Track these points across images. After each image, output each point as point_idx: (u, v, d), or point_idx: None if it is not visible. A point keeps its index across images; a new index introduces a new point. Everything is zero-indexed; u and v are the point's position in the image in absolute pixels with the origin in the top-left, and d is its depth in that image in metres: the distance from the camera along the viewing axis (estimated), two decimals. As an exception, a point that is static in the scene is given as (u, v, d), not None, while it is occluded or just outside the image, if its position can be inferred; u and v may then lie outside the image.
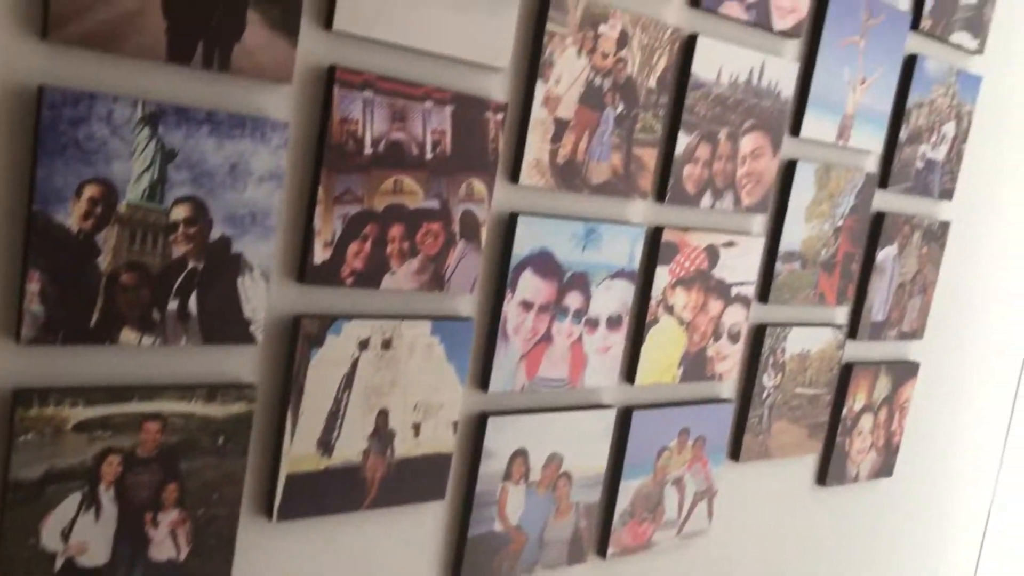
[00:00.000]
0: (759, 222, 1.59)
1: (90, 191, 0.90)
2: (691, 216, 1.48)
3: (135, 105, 0.91)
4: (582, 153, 1.29)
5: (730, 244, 1.52)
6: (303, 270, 1.07)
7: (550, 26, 1.21)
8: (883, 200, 1.81)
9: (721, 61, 1.42)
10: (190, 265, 0.98)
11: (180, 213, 0.96)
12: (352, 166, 1.07)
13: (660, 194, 1.41)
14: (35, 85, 0.88)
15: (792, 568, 1.87)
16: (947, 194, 1.92)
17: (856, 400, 1.86)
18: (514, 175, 1.24)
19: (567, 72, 1.24)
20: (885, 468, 1.99)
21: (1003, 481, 2.40)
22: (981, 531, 2.41)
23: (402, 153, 1.11)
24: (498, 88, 1.20)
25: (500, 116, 1.19)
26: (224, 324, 1.01)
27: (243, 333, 1.03)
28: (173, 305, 0.98)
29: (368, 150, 1.08)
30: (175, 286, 0.98)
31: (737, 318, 1.57)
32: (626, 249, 1.38)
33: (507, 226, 1.25)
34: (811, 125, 1.59)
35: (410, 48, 1.09)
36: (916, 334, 1.95)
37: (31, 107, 0.88)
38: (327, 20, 1.03)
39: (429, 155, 1.14)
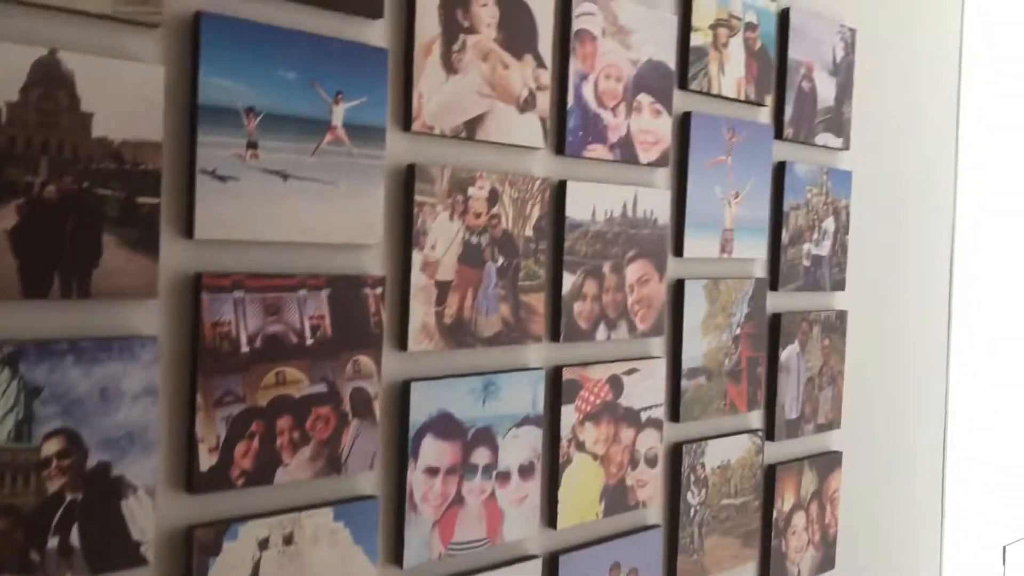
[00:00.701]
0: (658, 345, 1.61)
1: (-51, 443, 0.88)
2: (588, 350, 1.50)
3: (-9, 348, 0.90)
4: (469, 310, 1.30)
5: (632, 371, 1.54)
6: (190, 480, 1.04)
7: (418, 198, 1.24)
8: (776, 301, 1.86)
9: (593, 200, 1.46)
10: (68, 498, 0.95)
11: (52, 448, 0.94)
12: (229, 367, 1.07)
13: (554, 335, 1.43)
14: None
15: None
16: (839, 285, 1.98)
17: (785, 500, 1.86)
18: (402, 343, 1.24)
19: (442, 237, 1.27)
20: (826, 562, 1.98)
21: (947, 553, 2.41)
22: (935, 605, 2.41)
23: (281, 344, 1.11)
24: (374, 263, 1.21)
25: (379, 290, 1.20)
26: (111, 551, 0.98)
27: (133, 556, 1.00)
28: (53, 543, 0.94)
29: (244, 348, 1.08)
30: (54, 523, 0.94)
31: (651, 442, 1.58)
32: (528, 395, 1.38)
33: (401, 395, 1.25)
34: (693, 244, 1.64)
35: (277, 242, 1.11)
36: (833, 424, 1.98)
37: None
38: (188, 230, 1.04)
39: (310, 341, 1.14)
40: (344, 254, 1.18)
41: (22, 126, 0.91)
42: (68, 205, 0.94)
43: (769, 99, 1.79)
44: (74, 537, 0.96)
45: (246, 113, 1.07)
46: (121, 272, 0.98)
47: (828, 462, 1.97)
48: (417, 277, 1.24)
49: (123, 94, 0.97)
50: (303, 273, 1.13)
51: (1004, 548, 3.01)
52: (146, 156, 0.99)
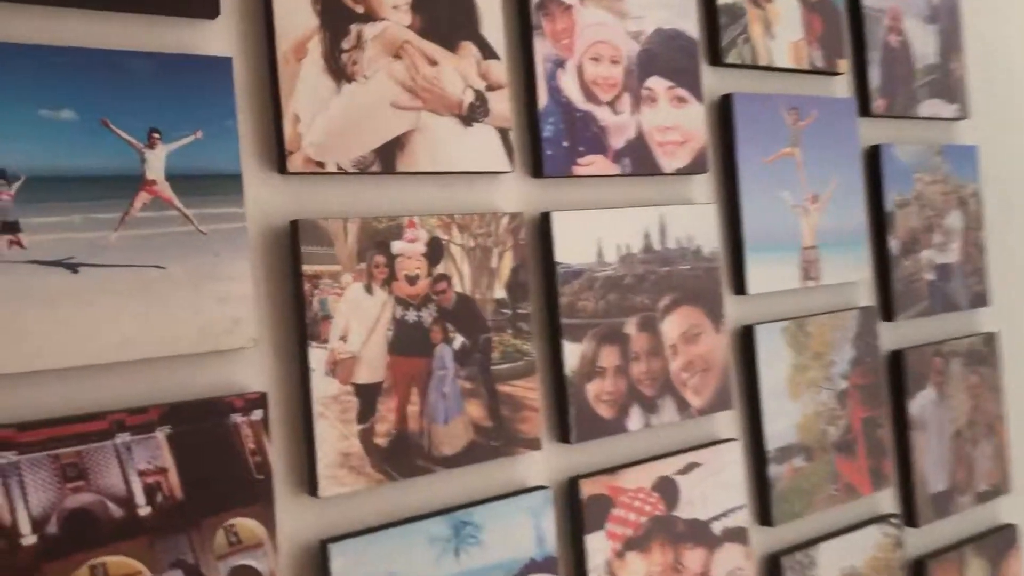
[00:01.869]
0: (726, 423, 1.15)
1: None
2: (618, 449, 1.05)
3: None
4: (416, 420, 0.89)
5: (691, 466, 1.08)
6: None
7: (310, 268, 0.84)
8: (895, 335, 1.36)
9: (597, 234, 1.03)
10: None
11: None
12: (5, 574, 0.68)
13: (561, 434, 0.99)
14: None
15: None
16: (980, 299, 1.47)
17: (945, 606, 1.34)
18: (309, 487, 0.83)
19: (356, 320, 0.86)
20: None
21: None
22: None
23: (94, 522, 0.72)
24: (246, 375, 0.82)
25: (256, 414, 0.80)
26: None
27: None
28: None
29: (29, 540, 0.69)
30: None
31: (736, 561, 1.11)
32: (529, 531, 0.95)
33: (315, 565, 0.84)
34: (760, 275, 1.17)
35: (69, 368, 0.72)
36: (1000, 489, 1.45)
37: None
38: (-96, 371, 0.67)
39: (145, 510, 0.74)
40: (190, 369, 0.79)
41: None
42: None
43: (844, 64, 1.32)
44: None
45: (-8, 180, 0.70)
46: None
47: (1000, 541, 1.44)
48: (322, 387, 0.84)
49: None
50: (121, 408, 0.75)
51: None
52: None
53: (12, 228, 0.71)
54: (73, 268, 0.73)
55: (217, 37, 0.82)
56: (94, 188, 0.74)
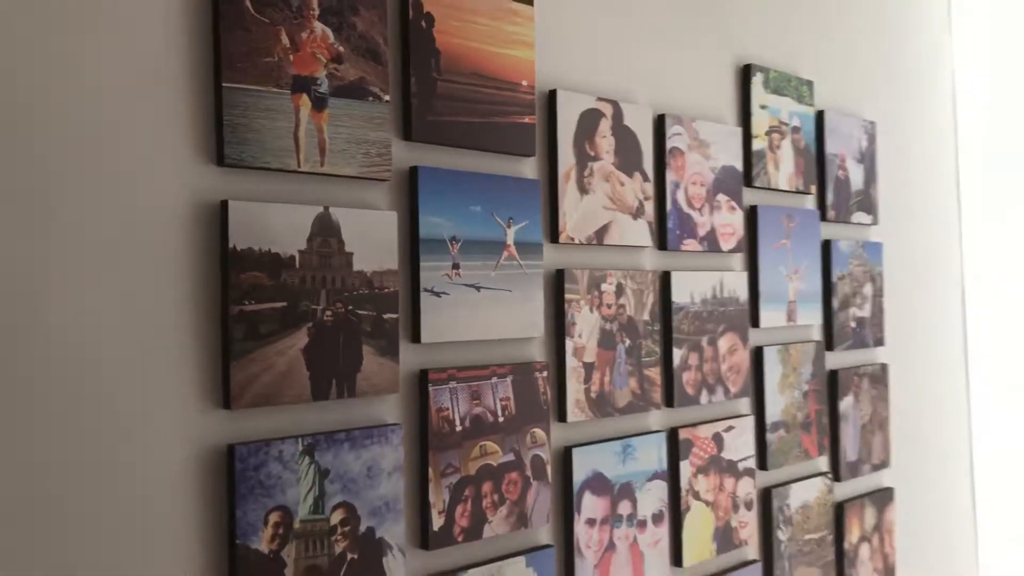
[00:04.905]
0: (746, 404, 1.89)
1: (274, 518, 1.13)
2: (695, 413, 1.77)
3: (297, 441, 1.16)
4: (607, 385, 1.58)
5: (729, 428, 1.81)
6: (425, 538, 1.29)
7: (568, 296, 1.52)
8: (832, 360, 2.15)
9: (691, 287, 1.75)
10: (348, 557, 1.20)
11: (337, 517, 1.19)
12: (449, 444, 1.33)
13: (668, 401, 1.70)
14: (224, 446, 1.11)
15: None
16: (879, 341, 2.28)
17: (852, 533, 2.12)
18: (562, 416, 1.51)
19: (585, 326, 1.54)
20: (891, 587, 2.24)
21: (982, 563, 2.67)
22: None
23: (482, 423, 1.37)
24: (538, 352, 1.49)
25: (545, 373, 1.47)
26: (377, 599, 1.22)
27: (391, 603, 1.24)
28: (340, 594, 1.19)
29: (459, 427, 1.34)
30: (340, 577, 1.19)
31: (747, 489, 1.84)
32: (655, 454, 1.65)
33: (564, 459, 1.51)
34: (767, 316, 1.93)
35: (474, 341, 1.38)
36: (885, 464, 2.25)
37: (223, 464, 1.11)
38: (415, 336, 1.31)
39: (501, 419, 1.40)
40: (518, 346, 1.46)
41: (308, 267, 1.19)
42: (339, 326, 1.21)
43: (814, 188, 2.11)
44: (354, 588, 1.20)
45: (450, 241, 1.35)
46: (375, 374, 1.24)
47: (883, 498, 2.24)
48: (570, 361, 1.52)
49: (370, 235, 1.25)
50: (494, 363, 1.40)
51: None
52: (388, 281, 1.27)
53: (456, 266, 1.36)
54: (478, 289, 1.39)
55: (531, 169, 1.50)
56: (487, 247, 1.40)
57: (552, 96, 1.52)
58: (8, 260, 0.96)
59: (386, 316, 1.26)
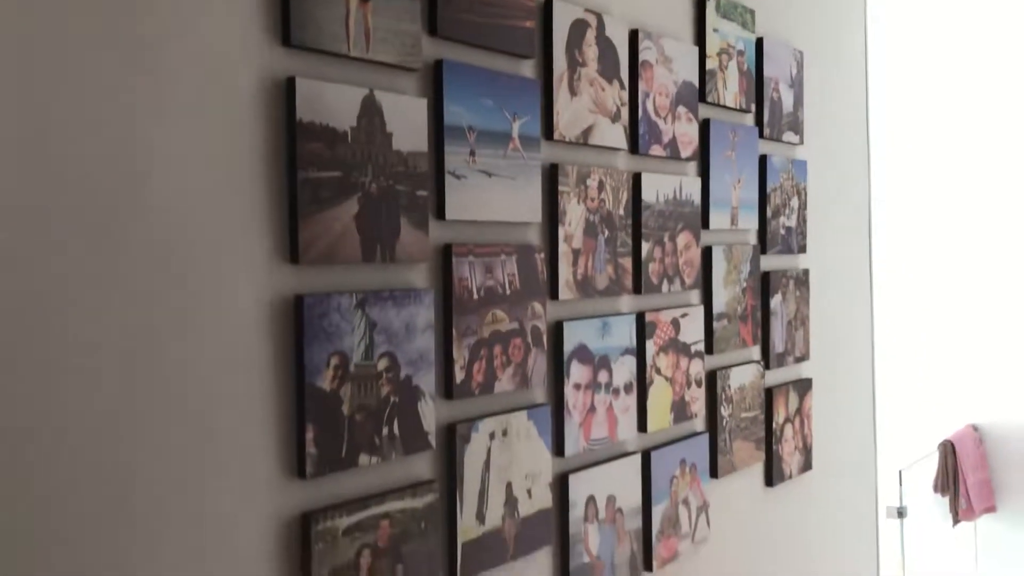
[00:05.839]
0: (696, 296, 2.13)
1: (334, 360, 1.29)
2: (659, 300, 2.00)
3: (352, 296, 1.31)
4: (591, 270, 1.78)
5: (685, 315, 2.05)
6: (449, 389, 1.47)
7: (560, 188, 1.70)
8: (765, 262, 2.41)
9: (657, 187, 1.96)
10: (392, 400, 1.37)
11: (383, 364, 1.36)
12: (468, 309, 1.50)
13: (637, 288, 1.92)
14: (292, 295, 1.26)
15: (766, 555, 2.38)
16: (803, 249, 2.56)
17: (779, 415, 2.42)
18: (554, 294, 1.70)
19: (573, 216, 1.74)
20: (807, 463, 2.55)
21: (880, 454, 3.05)
22: (873, 493, 3.03)
23: (494, 294, 1.55)
24: (536, 237, 1.67)
25: (542, 255, 1.66)
26: (414, 438, 1.40)
27: (424, 443, 1.42)
28: (385, 431, 1.36)
29: (476, 296, 1.52)
30: (384, 417, 1.36)
31: (698, 369, 2.09)
32: (626, 333, 1.87)
33: (556, 332, 1.71)
34: (715, 219, 2.16)
35: (488, 221, 1.55)
36: (805, 357, 2.56)
37: (291, 312, 1.26)
38: (441, 214, 1.47)
39: (508, 291, 1.58)
40: (521, 229, 1.64)
41: (357, 143, 1.33)
42: (382, 198, 1.36)
43: (753, 107, 2.34)
44: (396, 428, 1.37)
45: (468, 130, 1.51)
46: (410, 244, 1.40)
47: (803, 386, 2.54)
48: (562, 246, 1.71)
49: (405, 119, 1.40)
50: (503, 243, 1.58)
51: (900, 472, 3.71)
52: (419, 162, 1.42)
53: (473, 153, 1.52)
54: (489, 175, 1.55)
55: (529, 69, 1.66)
56: (497, 138, 1.57)
57: (548, 4, 1.69)
58: (112, 115, 1.08)
59: (418, 193, 1.42)
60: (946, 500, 4.20)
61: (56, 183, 1.02)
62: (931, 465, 4.21)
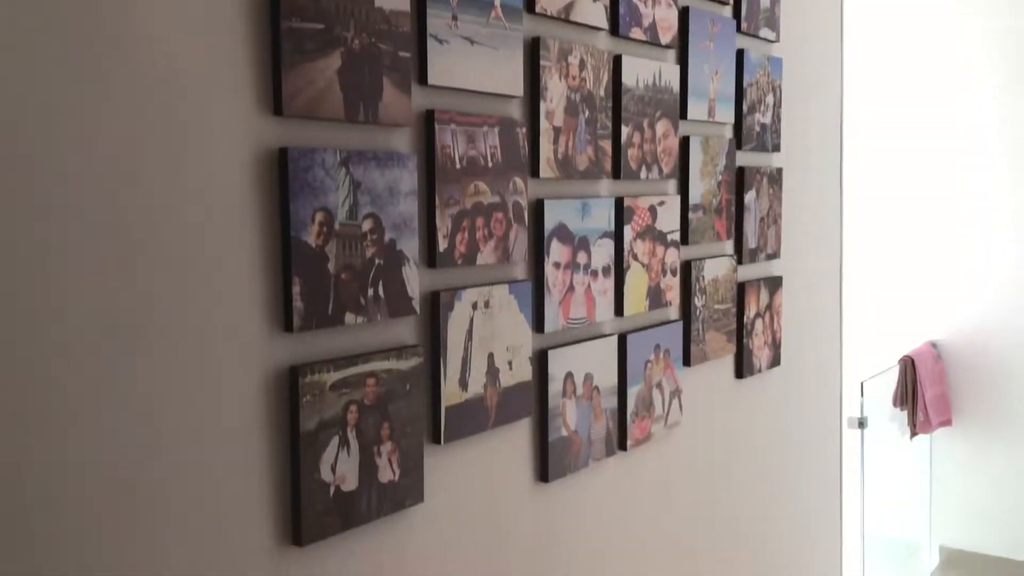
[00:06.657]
0: (673, 185, 2.14)
1: (319, 216, 1.28)
2: (637, 186, 2.01)
3: (336, 153, 1.30)
4: (571, 149, 1.77)
5: (662, 203, 2.06)
6: (432, 257, 1.48)
7: (542, 62, 1.69)
8: (741, 158, 2.43)
9: (637, 71, 1.95)
10: (376, 262, 1.37)
11: (367, 225, 1.35)
12: (451, 178, 1.50)
13: (616, 173, 1.92)
14: (277, 147, 1.24)
15: (735, 444, 2.44)
16: (776, 147, 2.58)
17: (750, 309, 2.46)
18: (535, 172, 1.70)
19: (555, 93, 1.72)
20: (776, 359, 2.61)
21: (845, 357, 3.13)
22: (838, 399, 3.12)
23: (476, 165, 1.55)
24: (517, 111, 1.66)
25: (524, 130, 1.65)
26: (398, 302, 1.41)
27: (408, 307, 1.43)
28: (371, 292, 1.36)
29: (458, 165, 1.51)
30: (370, 278, 1.36)
31: (673, 258, 2.12)
32: (605, 216, 1.88)
33: (536, 209, 1.71)
34: (692, 109, 2.16)
35: (471, 90, 1.54)
36: (776, 255, 2.59)
37: (275, 163, 1.24)
38: (423, 78, 1.45)
39: (490, 164, 1.58)
40: (503, 103, 1.62)
41: (340, -3, 1.30)
42: (364, 54, 1.34)
43: (731, 0, 2.33)
44: (381, 290, 1.38)
45: (451, -6, 1.49)
46: (392, 106, 1.39)
47: (774, 283, 2.59)
48: (543, 123, 1.70)
49: (388, -23, 1.37)
50: (485, 114, 1.57)
51: (862, 384, 3.81)
52: (401, 21, 1.40)
53: (455, 18, 1.50)
54: (471, 42, 1.53)
55: (514, -62, 1.63)
56: (479, 5, 1.54)
57: None
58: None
59: (401, 54, 1.40)
60: (904, 413, 4.33)
61: (40, 21, 0.99)
62: (891, 379, 4.33)
